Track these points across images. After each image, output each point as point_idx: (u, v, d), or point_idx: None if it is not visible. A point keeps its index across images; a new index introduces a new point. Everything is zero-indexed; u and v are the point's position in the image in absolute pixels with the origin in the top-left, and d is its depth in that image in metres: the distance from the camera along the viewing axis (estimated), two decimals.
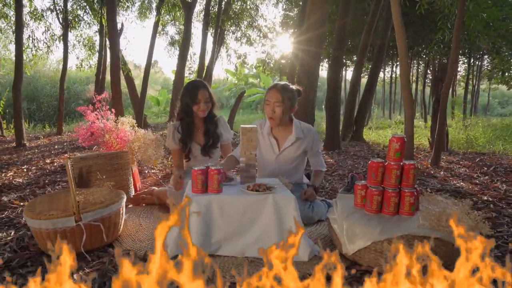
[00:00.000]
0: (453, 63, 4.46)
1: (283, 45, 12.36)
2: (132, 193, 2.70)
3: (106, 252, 1.87)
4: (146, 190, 2.68)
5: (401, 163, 1.82)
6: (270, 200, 1.81)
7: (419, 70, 18.41)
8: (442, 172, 4.17)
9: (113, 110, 2.68)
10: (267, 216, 1.82)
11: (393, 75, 18.79)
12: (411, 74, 20.22)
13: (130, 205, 2.60)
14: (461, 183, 3.65)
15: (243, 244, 1.81)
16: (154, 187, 2.70)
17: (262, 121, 2.52)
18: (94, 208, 1.82)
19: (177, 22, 10.80)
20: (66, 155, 4.67)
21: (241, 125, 2.10)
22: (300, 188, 2.49)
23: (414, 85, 19.74)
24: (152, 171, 3.78)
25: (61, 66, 7.91)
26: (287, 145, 2.41)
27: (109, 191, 2.07)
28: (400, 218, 1.80)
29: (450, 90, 17.65)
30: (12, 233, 2.11)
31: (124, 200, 2.03)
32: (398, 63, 16.20)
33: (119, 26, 7.11)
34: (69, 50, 8.10)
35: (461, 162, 4.87)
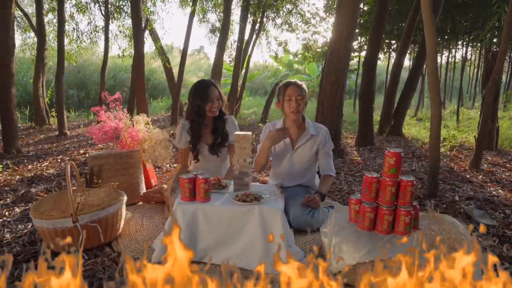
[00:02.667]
0: (502, 54, 3.99)
1: (327, 30, 11.88)
2: (143, 190, 2.80)
3: (102, 251, 1.97)
4: (156, 188, 2.76)
5: (397, 179, 1.69)
6: (256, 211, 1.79)
7: (481, 55, 16.77)
8: (480, 176, 3.81)
9: (125, 110, 2.78)
10: (253, 227, 1.80)
11: (451, 60, 17.29)
12: (470, 59, 18.48)
13: (140, 203, 2.71)
14: (499, 191, 3.31)
15: (229, 253, 1.81)
16: (165, 185, 2.77)
17: (273, 123, 2.51)
18: (91, 210, 1.92)
19: (217, 10, 10.81)
20: (100, 145, 4.97)
21: (235, 132, 2.07)
22: (308, 192, 2.43)
23: (473, 72, 18.09)
24: (174, 165, 3.89)
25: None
26: (301, 143, 2.41)
27: (109, 192, 2.17)
28: (393, 237, 1.69)
29: None
30: (30, 226, 2.31)
31: (124, 201, 2.12)
32: (456, 46, 14.88)
33: (144, 21, 7.03)
34: (111, 40, 8.43)
35: (507, 165, 4.41)
